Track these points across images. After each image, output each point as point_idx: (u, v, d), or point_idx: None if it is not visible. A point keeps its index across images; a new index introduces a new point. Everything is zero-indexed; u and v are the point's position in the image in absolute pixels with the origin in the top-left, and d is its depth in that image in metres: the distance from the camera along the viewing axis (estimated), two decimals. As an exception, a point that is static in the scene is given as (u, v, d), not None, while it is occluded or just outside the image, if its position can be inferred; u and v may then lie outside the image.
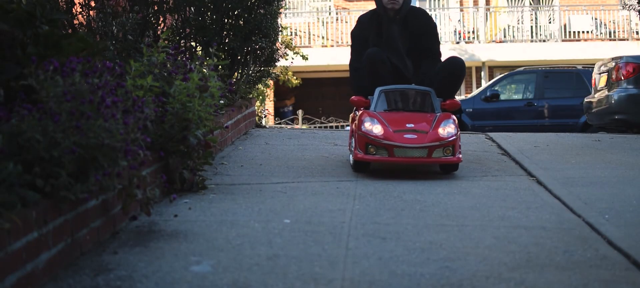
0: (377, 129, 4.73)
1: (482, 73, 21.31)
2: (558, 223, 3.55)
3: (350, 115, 5.37)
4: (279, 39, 9.36)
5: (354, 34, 5.56)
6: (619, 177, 4.92)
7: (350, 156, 5.02)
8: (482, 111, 13.97)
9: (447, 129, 4.75)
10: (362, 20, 5.58)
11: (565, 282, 2.64)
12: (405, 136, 4.69)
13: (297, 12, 22.05)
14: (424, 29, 5.50)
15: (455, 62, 5.32)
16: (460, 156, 4.82)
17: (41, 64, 2.98)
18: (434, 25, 5.60)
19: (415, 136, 4.68)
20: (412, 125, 4.76)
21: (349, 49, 5.54)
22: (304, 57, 16.33)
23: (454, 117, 4.90)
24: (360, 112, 4.98)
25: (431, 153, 4.68)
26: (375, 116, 4.83)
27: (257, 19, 6.98)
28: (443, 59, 5.48)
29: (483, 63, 21.07)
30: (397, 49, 5.40)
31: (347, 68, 5.49)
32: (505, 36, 21.13)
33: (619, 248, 3.06)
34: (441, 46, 5.69)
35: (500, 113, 13.88)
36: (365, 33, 5.48)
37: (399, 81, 5.31)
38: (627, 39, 20.67)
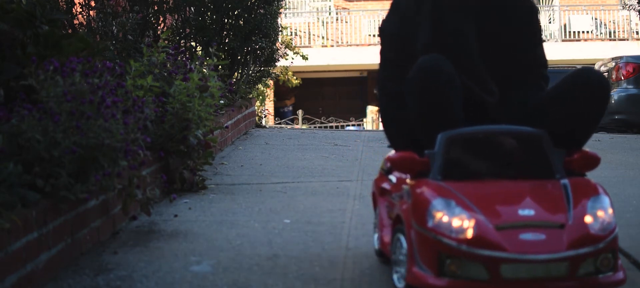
0: (462, 222, 2.22)
1: (482, 73, 21.29)
2: (558, 223, 3.55)
3: (375, 180, 2.90)
4: (279, 39, 9.36)
5: (387, 29, 2.85)
6: (619, 177, 4.92)
7: (395, 275, 2.46)
8: None
9: (600, 215, 2.32)
10: (402, 5, 2.82)
11: (565, 282, 2.63)
12: (523, 236, 2.21)
13: (297, 12, 22.04)
14: (523, 23, 2.85)
15: (593, 79, 2.58)
16: (620, 263, 2.38)
17: (41, 64, 2.98)
18: (538, 19, 2.93)
19: (544, 237, 2.22)
20: (532, 212, 2.28)
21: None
22: (304, 57, 16.30)
23: (601, 187, 2.41)
24: (415, 183, 2.42)
25: (576, 268, 2.23)
26: (452, 195, 2.30)
27: (257, 19, 6.98)
28: None
29: (483, 63, 21.04)
30: (471, 56, 2.70)
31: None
32: (505, 36, 21.09)
33: (619, 248, 3.05)
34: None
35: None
36: (410, 27, 2.74)
37: (476, 118, 2.63)
38: (627, 39, 20.68)
